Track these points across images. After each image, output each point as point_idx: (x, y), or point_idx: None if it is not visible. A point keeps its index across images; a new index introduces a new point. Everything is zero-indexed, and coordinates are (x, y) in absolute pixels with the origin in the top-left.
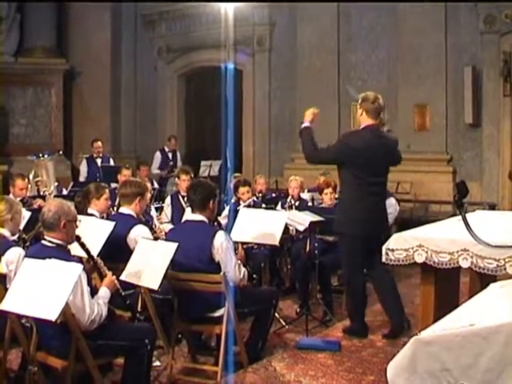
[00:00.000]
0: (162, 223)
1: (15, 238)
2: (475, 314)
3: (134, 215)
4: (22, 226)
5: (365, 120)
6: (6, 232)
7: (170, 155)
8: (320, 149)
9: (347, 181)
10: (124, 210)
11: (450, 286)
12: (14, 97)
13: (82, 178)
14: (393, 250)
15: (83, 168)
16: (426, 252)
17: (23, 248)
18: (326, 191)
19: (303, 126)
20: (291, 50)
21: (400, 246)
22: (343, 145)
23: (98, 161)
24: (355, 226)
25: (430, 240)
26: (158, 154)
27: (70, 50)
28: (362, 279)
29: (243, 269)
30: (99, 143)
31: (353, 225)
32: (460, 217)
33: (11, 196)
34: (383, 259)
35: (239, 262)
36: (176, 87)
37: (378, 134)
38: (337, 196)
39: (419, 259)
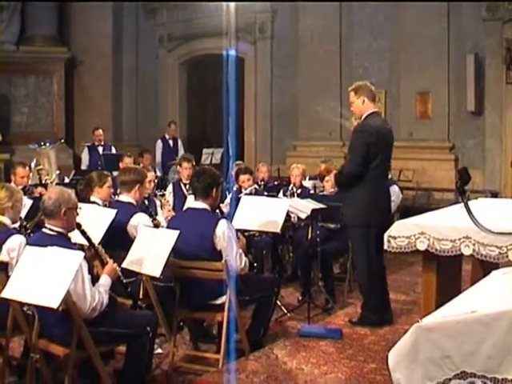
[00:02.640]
0: (169, 210)
1: (16, 225)
2: (477, 301)
3: (134, 203)
4: (23, 214)
5: (368, 107)
6: (6, 220)
7: (171, 143)
8: (349, 160)
9: (366, 170)
10: (124, 197)
11: (451, 273)
12: (16, 85)
13: (83, 166)
14: (395, 238)
15: (85, 156)
16: (428, 239)
17: (25, 236)
18: (327, 178)
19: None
20: (293, 38)
21: (402, 233)
22: (366, 133)
23: (100, 149)
24: (374, 214)
25: (432, 227)
26: (159, 143)
27: (71, 38)
28: (382, 265)
29: (244, 258)
30: (100, 131)
31: (371, 213)
32: (462, 204)
33: (12, 184)
34: (385, 246)
35: (240, 251)
36: (177, 75)
37: (383, 119)
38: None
39: (421, 247)
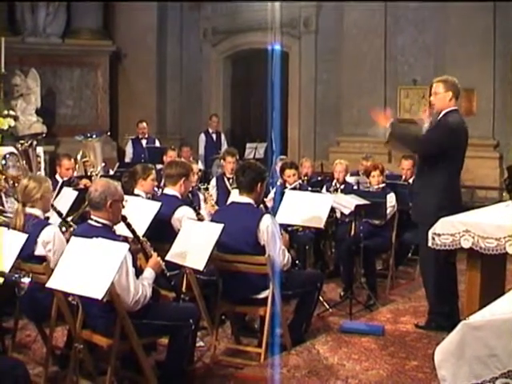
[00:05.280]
0: (212, 205)
1: (48, 214)
2: None
3: (179, 196)
4: (68, 206)
5: (452, 104)
6: (37, 211)
7: (214, 137)
8: (422, 138)
9: (443, 168)
10: (169, 190)
11: (495, 272)
12: (61, 78)
13: (127, 159)
14: (439, 235)
15: (129, 149)
16: (473, 237)
17: (67, 231)
18: (373, 173)
19: (389, 125)
20: (337, 33)
21: (446, 230)
22: (448, 130)
23: (144, 142)
24: (445, 213)
25: (476, 225)
26: (202, 137)
27: (116, 31)
28: (453, 266)
29: (287, 254)
30: (144, 124)
31: (442, 212)
32: (508, 203)
33: (57, 176)
34: (429, 244)
35: (284, 247)
36: (221, 69)
37: (462, 118)
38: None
39: (466, 244)
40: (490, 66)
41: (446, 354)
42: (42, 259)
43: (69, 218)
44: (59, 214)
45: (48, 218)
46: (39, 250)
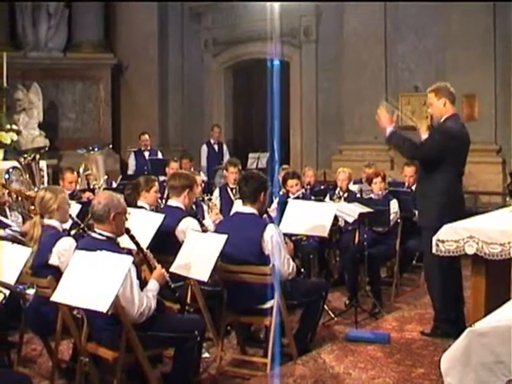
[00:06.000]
0: (216, 214)
1: (66, 226)
2: None
3: (183, 207)
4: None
5: (449, 109)
6: (54, 222)
7: (216, 147)
8: (420, 144)
9: (444, 172)
10: (173, 202)
11: (501, 277)
12: (63, 91)
13: (130, 172)
14: (443, 242)
15: (131, 161)
16: (477, 243)
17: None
18: (375, 180)
19: (389, 131)
20: (338, 41)
21: (450, 237)
22: (446, 135)
23: (146, 154)
24: (447, 218)
25: (480, 231)
26: (204, 148)
27: (117, 44)
28: (458, 273)
29: (292, 263)
30: (146, 136)
31: (444, 217)
32: (511, 208)
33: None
34: (433, 251)
35: (288, 256)
36: (223, 80)
37: (462, 122)
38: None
39: (470, 250)
40: (491, 70)
41: (453, 361)
42: (54, 269)
43: (72, 232)
44: (76, 223)
45: (65, 230)
46: (53, 260)
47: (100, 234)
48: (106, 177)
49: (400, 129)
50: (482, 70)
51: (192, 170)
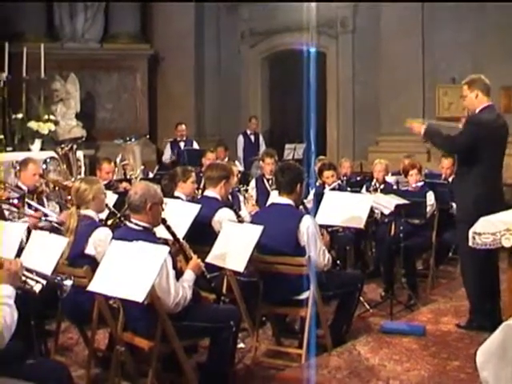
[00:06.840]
0: (253, 205)
1: (103, 216)
2: None
3: (219, 198)
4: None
5: (482, 101)
6: (91, 212)
7: (252, 138)
8: (454, 136)
9: (480, 164)
10: (209, 192)
11: None
12: (100, 82)
13: (166, 161)
14: (480, 234)
15: (167, 151)
16: None
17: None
18: (411, 172)
19: (423, 131)
20: (375, 32)
21: (487, 229)
22: (478, 126)
23: (182, 144)
24: (483, 211)
25: None
26: (240, 138)
27: (153, 35)
28: (494, 265)
29: (328, 255)
30: (183, 126)
31: (481, 209)
32: None
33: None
34: (470, 243)
35: (324, 247)
36: (259, 70)
37: (498, 113)
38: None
39: (507, 243)
40: None
41: (488, 355)
42: (90, 258)
43: (109, 222)
44: (113, 213)
45: (102, 220)
46: (89, 249)
47: (136, 224)
48: (142, 167)
49: (438, 119)
50: None
51: (227, 159)
